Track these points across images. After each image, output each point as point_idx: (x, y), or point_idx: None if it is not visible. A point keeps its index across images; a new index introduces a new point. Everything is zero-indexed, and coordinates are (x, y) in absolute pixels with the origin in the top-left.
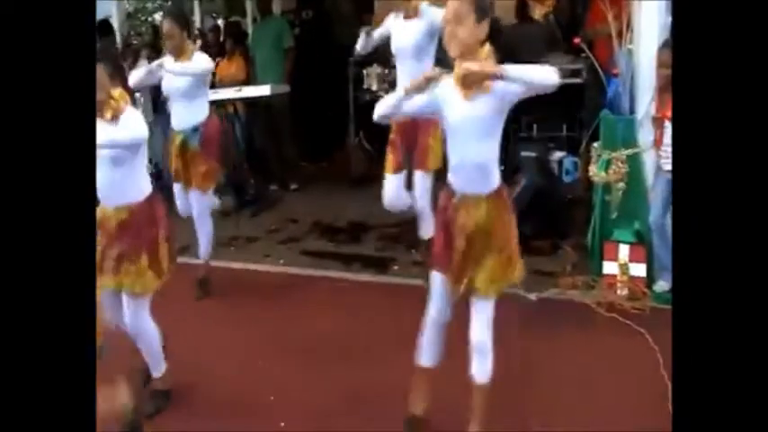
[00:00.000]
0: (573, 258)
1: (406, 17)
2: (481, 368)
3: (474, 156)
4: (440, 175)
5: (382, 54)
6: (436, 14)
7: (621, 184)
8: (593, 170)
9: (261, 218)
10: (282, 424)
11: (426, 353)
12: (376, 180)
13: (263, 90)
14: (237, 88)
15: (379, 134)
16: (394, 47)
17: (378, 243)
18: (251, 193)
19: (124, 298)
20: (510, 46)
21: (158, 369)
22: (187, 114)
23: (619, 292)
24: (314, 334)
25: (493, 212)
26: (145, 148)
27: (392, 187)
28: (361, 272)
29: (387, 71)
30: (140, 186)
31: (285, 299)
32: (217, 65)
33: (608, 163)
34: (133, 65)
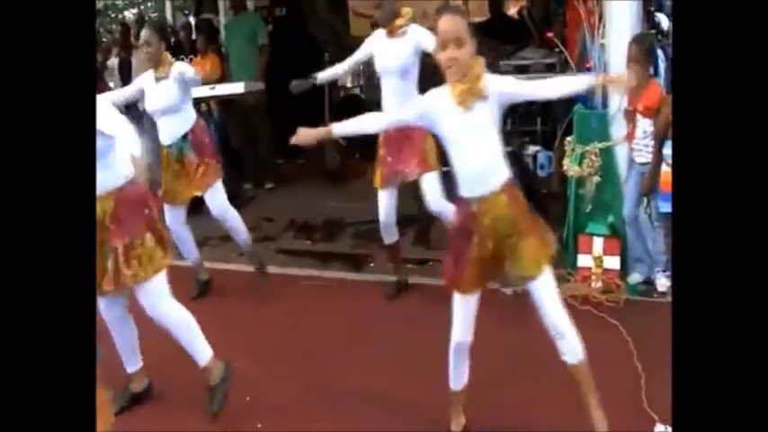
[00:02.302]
0: None
1: (390, 35)
2: (568, 349)
3: (479, 159)
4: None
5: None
6: (421, 34)
7: (595, 178)
8: (567, 164)
9: None
10: (259, 425)
11: (455, 378)
12: (351, 177)
13: (237, 87)
14: (211, 86)
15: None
16: (379, 66)
17: (353, 240)
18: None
19: (140, 292)
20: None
21: (203, 357)
22: (176, 126)
23: (593, 284)
24: (290, 333)
25: (510, 202)
26: (124, 135)
27: (384, 204)
28: (337, 269)
29: (360, 67)
30: (119, 172)
31: (261, 298)
32: (190, 63)
33: (582, 156)
34: (104, 62)
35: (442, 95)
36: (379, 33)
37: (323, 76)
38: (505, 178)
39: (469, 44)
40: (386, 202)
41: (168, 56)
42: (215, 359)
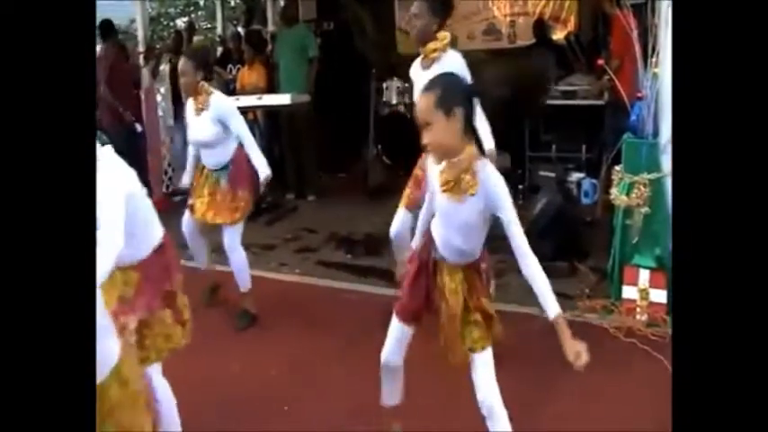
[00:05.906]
0: (591, 281)
1: (424, 66)
2: (497, 428)
3: (458, 245)
4: None
5: (402, 68)
6: (455, 60)
7: (644, 209)
8: (615, 193)
9: (276, 227)
10: None
11: (385, 395)
12: (394, 193)
13: (284, 99)
14: (258, 96)
15: (398, 147)
16: (416, 97)
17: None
18: (267, 200)
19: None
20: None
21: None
22: (216, 157)
23: (638, 317)
24: (327, 346)
25: (467, 277)
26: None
27: (398, 222)
28: (376, 285)
29: (406, 84)
30: (153, 235)
31: (300, 309)
32: (238, 72)
33: (630, 186)
34: (155, 68)
35: (435, 173)
36: (417, 61)
37: None
38: (474, 259)
39: (444, 123)
40: (400, 220)
41: (206, 86)
42: None
